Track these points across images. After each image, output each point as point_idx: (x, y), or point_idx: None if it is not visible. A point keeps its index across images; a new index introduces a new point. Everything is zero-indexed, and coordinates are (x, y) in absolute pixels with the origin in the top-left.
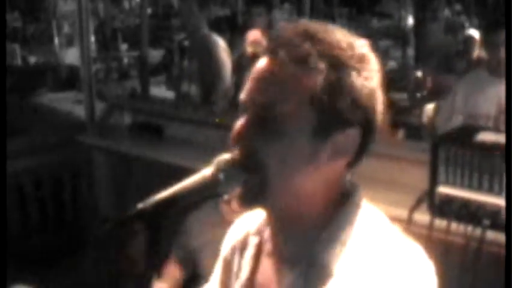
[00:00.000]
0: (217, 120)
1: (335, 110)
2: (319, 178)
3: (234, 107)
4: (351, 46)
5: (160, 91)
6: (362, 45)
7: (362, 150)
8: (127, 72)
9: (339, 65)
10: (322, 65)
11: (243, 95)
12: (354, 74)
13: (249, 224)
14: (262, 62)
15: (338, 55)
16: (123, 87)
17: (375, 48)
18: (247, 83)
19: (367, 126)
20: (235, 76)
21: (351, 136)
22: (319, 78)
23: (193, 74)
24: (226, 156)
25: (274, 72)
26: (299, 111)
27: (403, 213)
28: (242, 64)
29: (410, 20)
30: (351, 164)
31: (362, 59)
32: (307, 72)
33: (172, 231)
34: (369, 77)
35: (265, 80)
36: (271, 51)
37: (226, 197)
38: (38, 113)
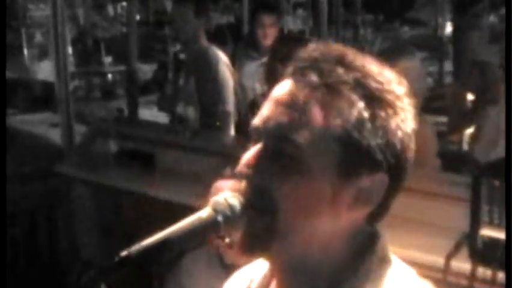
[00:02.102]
0: (217, 123)
1: (365, 149)
2: (337, 225)
3: (239, 134)
4: (389, 81)
5: (152, 113)
6: (401, 83)
7: (386, 201)
8: (112, 91)
9: (376, 100)
10: (356, 96)
11: (257, 120)
12: (390, 112)
13: (251, 275)
14: (285, 84)
15: (376, 89)
16: (107, 108)
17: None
18: (264, 106)
19: (396, 173)
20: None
21: (378, 181)
22: (351, 111)
23: (190, 93)
24: (226, 195)
25: (300, 96)
26: (324, 145)
27: (439, 260)
28: (245, 84)
29: (448, 28)
30: (373, 216)
31: (399, 97)
32: (339, 101)
33: (164, 279)
34: (405, 119)
35: (287, 104)
36: (299, 72)
37: (227, 240)
38: (7, 137)
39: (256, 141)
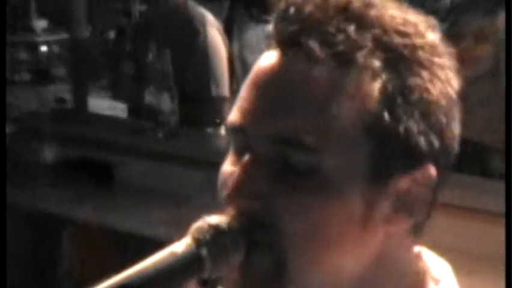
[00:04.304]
0: (217, 120)
1: (402, 136)
2: (371, 252)
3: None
4: (418, 30)
5: (108, 104)
6: (432, 27)
7: (433, 202)
8: (47, 71)
9: (405, 62)
10: (378, 64)
11: (238, 117)
12: (426, 75)
13: None
14: (272, 59)
15: (403, 46)
16: (41, 96)
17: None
18: (246, 96)
19: (445, 160)
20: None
21: (424, 178)
22: (375, 86)
23: (164, 73)
24: (212, 219)
25: (298, 76)
26: (346, 142)
27: None
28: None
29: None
30: (419, 226)
31: (435, 50)
32: (355, 75)
33: None
34: (447, 79)
35: (282, 89)
36: (291, 40)
37: (213, 281)
38: None
39: (238, 149)
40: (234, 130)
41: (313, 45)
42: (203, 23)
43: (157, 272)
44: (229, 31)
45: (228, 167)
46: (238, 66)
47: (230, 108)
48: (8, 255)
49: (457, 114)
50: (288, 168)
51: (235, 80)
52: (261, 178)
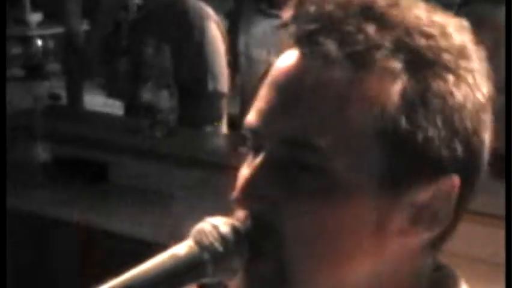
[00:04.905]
0: (215, 123)
1: (420, 144)
2: (385, 266)
3: (237, 135)
4: (444, 31)
5: (104, 101)
6: (460, 28)
7: (457, 215)
8: (41, 66)
9: (428, 66)
10: (398, 66)
11: (254, 118)
12: (452, 79)
13: None
14: (289, 59)
15: (427, 48)
16: (34, 92)
17: None
18: (262, 96)
19: (471, 170)
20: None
21: (443, 190)
22: (394, 89)
23: (163, 69)
24: (215, 221)
25: (314, 77)
26: (359, 147)
27: None
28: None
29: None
30: (438, 241)
31: (462, 53)
32: (374, 77)
33: None
34: (476, 83)
35: (297, 90)
36: (308, 39)
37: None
38: None
39: (254, 150)
40: (250, 131)
41: (331, 44)
42: (200, 16)
43: (158, 275)
44: (234, 25)
45: (245, 169)
46: (244, 62)
47: (228, 105)
48: None
49: (486, 120)
50: (298, 170)
51: (240, 75)
52: (270, 180)
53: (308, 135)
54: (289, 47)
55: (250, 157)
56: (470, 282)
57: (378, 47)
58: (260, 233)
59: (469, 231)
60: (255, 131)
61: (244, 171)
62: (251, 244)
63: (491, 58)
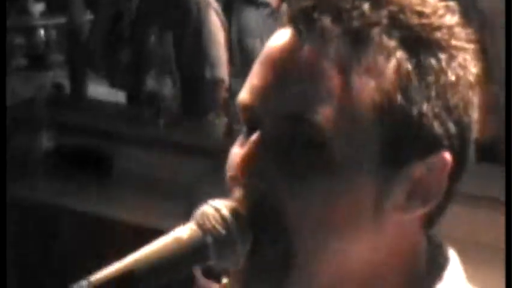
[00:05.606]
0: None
1: (416, 119)
2: (383, 243)
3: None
4: (436, 10)
5: (108, 91)
6: (452, 11)
7: (449, 191)
8: (44, 56)
9: (422, 42)
10: (393, 42)
11: (248, 95)
12: (444, 57)
13: None
14: (284, 36)
15: (420, 25)
16: (37, 82)
17: None
18: (256, 73)
19: (461, 147)
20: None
21: (439, 165)
22: (389, 66)
23: (165, 56)
24: (217, 204)
25: (310, 54)
26: (356, 122)
27: None
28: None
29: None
30: (432, 217)
31: (453, 33)
32: (369, 54)
33: None
34: (466, 62)
35: (292, 67)
36: (303, 17)
37: (218, 271)
38: None
39: (249, 128)
40: (243, 108)
41: (326, 21)
42: (199, 3)
43: (161, 258)
44: (227, 16)
45: (237, 148)
46: (237, 52)
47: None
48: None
49: (475, 100)
50: (296, 147)
51: (234, 65)
52: (268, 157)
53: (306, 111)
54: (284, 25)
55: (242, 135)
56: (473, 266)
57: (373, 23)
58: (261, 214)
59: (472, 216)
60: (249, 108)
61: (237, 150)
62: (253, 226)
63: (477, 41)
